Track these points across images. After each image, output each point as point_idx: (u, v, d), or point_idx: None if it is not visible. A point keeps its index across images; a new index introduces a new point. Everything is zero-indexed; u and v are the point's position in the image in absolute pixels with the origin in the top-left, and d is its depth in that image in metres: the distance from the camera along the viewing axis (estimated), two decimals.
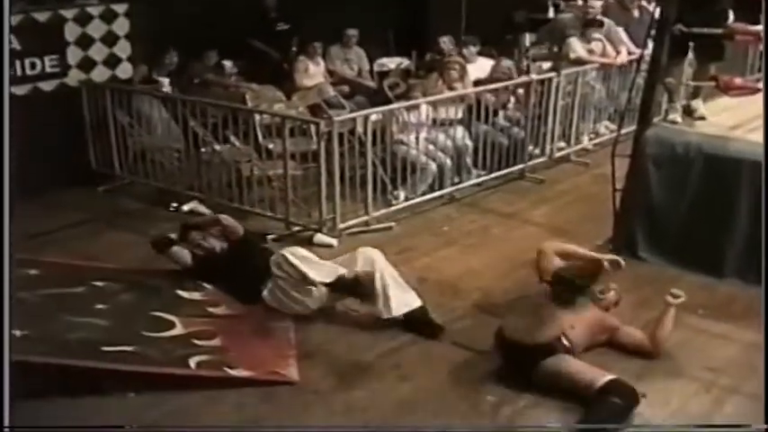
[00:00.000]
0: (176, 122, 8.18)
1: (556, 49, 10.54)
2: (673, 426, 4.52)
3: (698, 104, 7.03)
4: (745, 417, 4.59)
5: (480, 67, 9.78)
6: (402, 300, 5.61)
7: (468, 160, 8.48)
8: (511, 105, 9.06)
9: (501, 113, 8.89)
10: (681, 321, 5.65)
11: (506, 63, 9.97)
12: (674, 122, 6.83)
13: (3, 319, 3.08)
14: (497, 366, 5.09)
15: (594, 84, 9.69)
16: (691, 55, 7.08)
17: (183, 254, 6.24)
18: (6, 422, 3.00)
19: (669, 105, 7.00)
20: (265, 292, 5.79)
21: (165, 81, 9.14)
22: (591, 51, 9.88)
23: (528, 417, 4.68)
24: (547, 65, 10.32)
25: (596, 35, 9.98)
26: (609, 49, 10.05)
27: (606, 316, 5.41)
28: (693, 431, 4.51)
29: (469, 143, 8.44)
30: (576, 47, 9.87)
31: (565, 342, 4.93)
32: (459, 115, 8.41)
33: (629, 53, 9.85)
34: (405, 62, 11.58)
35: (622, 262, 5.63)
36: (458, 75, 8.77)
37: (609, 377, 4.70)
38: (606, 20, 10.34)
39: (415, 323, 5.61)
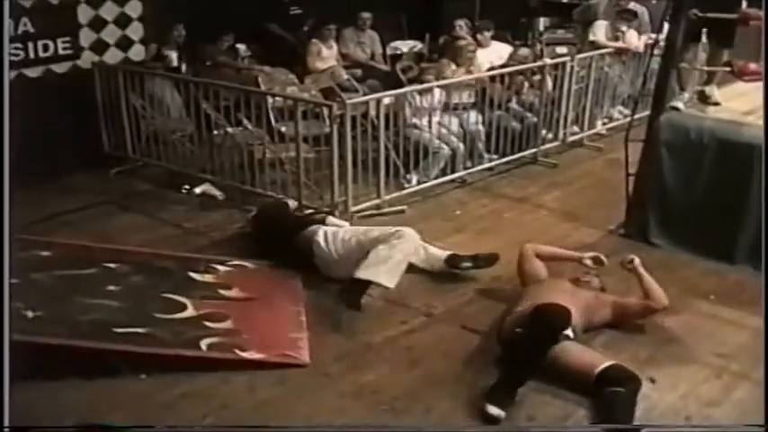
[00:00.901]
0: (187, 106, 8.19)
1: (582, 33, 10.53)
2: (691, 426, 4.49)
3: (712, 90, 7.01)
4: (755, 403, 4.58)
5: (495, 50, 9.74)
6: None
7: (481, 145, 8.48)
8: (525, 90, 9.03)
9: (514, 98, 8.87)
10: (692, 307, 5.70)
11: (523, 52, 9.89)
12: (675, 109, 6.78)
13: (3, 321, 3.09)
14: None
15: (608, 69, 9.64)
16: (704, 40, 7.06)
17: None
18: (6, 422, 3.02)
19: (677, 92, 6.96)
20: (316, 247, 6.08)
21: (174, 55, 9.09)
22: (614, 39, 9.84)
23: (534, 401, 4.67)
24: (561, 49, 10.29)
25: (623, 27, 9.94)
26: (634, 38, 9.99)
27: (599, 293, 5.44)
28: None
29: (482, 128, 8.42)
30: (599, 31, 9.85)
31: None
32: (472, 99, 8.40)
33: (649, 38, 9.78)
34: (418, 45, 11.56)
35: (604, 258, 5.67)
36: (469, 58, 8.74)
37: (605, 365, 4.68)
38: (639, 8, 10.31)
39: (470, 259, 6.13)
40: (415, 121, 7.98)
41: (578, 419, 4.53)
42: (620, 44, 9.79)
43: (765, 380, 3.49)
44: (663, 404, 4.65)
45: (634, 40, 9.93)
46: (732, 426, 4.22)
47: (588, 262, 5.67)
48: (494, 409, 4.49)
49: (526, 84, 9.02)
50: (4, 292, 3.06)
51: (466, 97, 8.34)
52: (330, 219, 7.02)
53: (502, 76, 8.60)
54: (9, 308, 3.08)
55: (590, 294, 5.40)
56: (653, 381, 4.84)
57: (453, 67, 8.55)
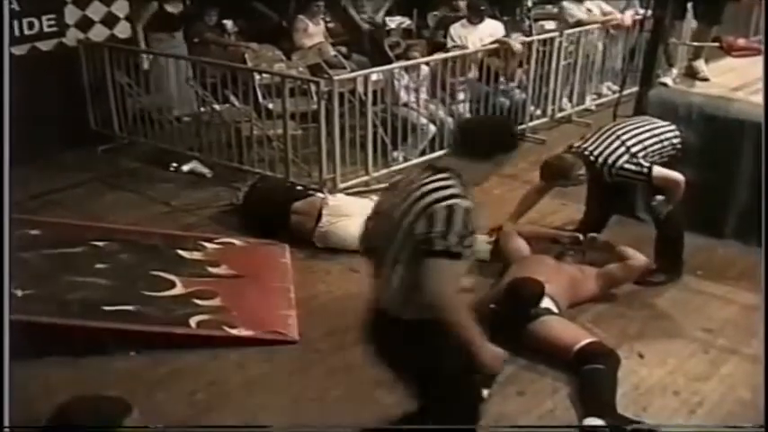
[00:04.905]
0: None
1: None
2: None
3: (700, 65, 7.00)
4: (742, 377, 4.62)
5: (487, 28, 9.61)
6: None
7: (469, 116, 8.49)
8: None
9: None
10: (679, 282, 5.71)
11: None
12: (664, 85, 6.78)
13: (3, 322, 3.07)
14: None
15: (597, 44, 9.63)
16: (690, 16, 7.05)
17: None
18: (6, 422, 3.02)
19: (664, 68, 6.96)
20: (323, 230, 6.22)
21: None
22: (589, 11, 9.82)
23: (523, 378, 4.70)
24: (550, 24, 10.26)
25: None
26: (607, 11, 9.99)
27: (584, 267, 5.49)
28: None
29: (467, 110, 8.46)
30: (573, 10, 9.81)
31: (543, 304, 4.93)
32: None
33: (636, 13, 9.75)
34: (406, 21, 11.50)
35: (581, 237, 5.73)
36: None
37: (585, 341, 4.70)
38: None
39: None
40: (402, 97, 7.96)
41: (566, 395, 4.56)
42: (605, 18, 9.77)
43: (765, 381, 3.51)
44: (651, 379, 4.68)
45: (614, 14, 9.94)
46: (732, 426, 4.24)
47: (565, 241, 5.74)
48: None
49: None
50: (3, 304, 3.04)
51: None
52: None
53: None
54: (9, 319, 3.07)
55: (574, 269, 5.43)
56: (641, 356, 4.87)
57: None
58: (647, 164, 5.42)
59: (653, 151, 5.55)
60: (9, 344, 3.12)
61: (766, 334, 3.53)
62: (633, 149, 5.50)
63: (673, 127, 5.72)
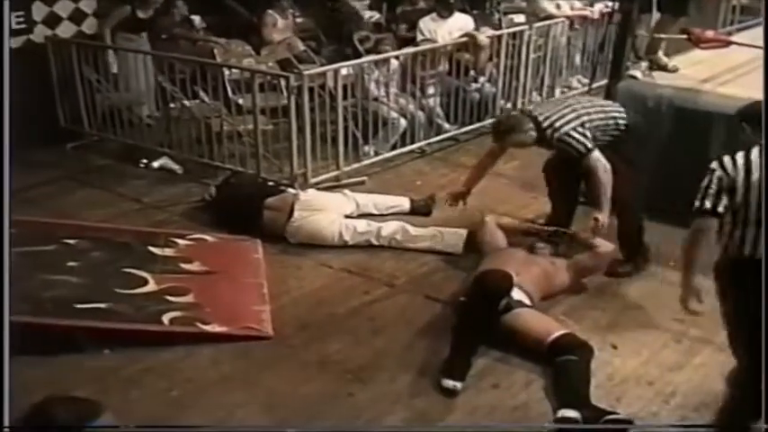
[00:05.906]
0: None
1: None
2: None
3: (661, 58, 7.04)
4: (716, 367, 4.64)
5: (456, 21, 9.60)
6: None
7: (439, 120, 8.51)
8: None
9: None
10: (652, 273, 5.74)
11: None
12: (634, 78, 6.83)
13: (3, 322, 3.05)
14: None
15: (562, 37, 9.66)
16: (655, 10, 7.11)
17: None
18: (6, 422, 3.00)
19: (633, 61, 6.99)
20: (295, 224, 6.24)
21: None
22: (558, 7, 9.86)
23: (498, 370, 4.72)
24: (519, 18, 10.29)
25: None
26: (578, 5, 10.03)
27: (556, 259, 5.55)
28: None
29: (437, 105, 8.47)
30: (544, 4, 9.84)
31: (516, 296, 4.95)
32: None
33: (605, 6, 9.80)
34: (375, 15, 11.49)
35: (570, 231, 5.82)
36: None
37: (558, 333, 4.72)
38: None
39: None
40: (372, 91, 7.96)
41: (540, 386, 4.59)
42: (572, 12, 9.81)
43: (765, 380, 3.53)
44: (625, 370, 4.71)
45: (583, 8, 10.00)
46: (732, 426, 4.27)
47: (544, 234, 5.79)
48: (448, 382, 4.52)
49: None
50: (4, 303, 3.02)
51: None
52: (290, 191, 7.03)
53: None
54: (9, 315, 3.05)
55: (546, 261, 5.46)
56: (614, 347, 4.89)
57: None
58: (591, 142, 5.51)
59: (597, 126, 5.63)
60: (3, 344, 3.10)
61: (766, 332, 3.56)
62: (582, 118, 5.59)
63: (621, 108, 5.82)
